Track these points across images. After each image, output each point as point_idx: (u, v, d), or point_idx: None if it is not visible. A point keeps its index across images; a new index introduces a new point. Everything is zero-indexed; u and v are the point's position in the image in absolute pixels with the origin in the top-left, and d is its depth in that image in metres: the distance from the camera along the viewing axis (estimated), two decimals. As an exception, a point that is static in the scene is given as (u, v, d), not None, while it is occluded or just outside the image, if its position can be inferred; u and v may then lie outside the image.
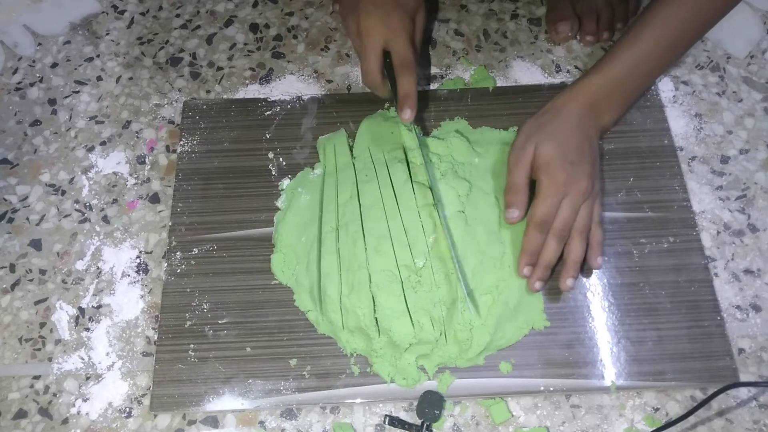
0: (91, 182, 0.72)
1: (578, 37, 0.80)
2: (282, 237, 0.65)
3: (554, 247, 0.61)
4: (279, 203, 0.68)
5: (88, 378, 0.62)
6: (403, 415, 0.59)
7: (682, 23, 0.63)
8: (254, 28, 0.82)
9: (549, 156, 0.61)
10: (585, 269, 0.64)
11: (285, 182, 0.69)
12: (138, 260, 0.67)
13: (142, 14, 0.84)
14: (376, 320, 0.59)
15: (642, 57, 0.64)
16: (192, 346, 0.61)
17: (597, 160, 0.65)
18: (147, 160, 0.73)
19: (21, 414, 0.61)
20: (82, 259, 0.68)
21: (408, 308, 0.59)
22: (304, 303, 0.63)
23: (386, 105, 0.73)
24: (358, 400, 0.59)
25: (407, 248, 0.61)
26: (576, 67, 0.78)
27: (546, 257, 0.61)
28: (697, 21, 0.63)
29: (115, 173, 0.73)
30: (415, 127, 0.71)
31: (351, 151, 0.70)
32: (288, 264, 0.64)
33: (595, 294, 0.63)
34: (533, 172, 0.62)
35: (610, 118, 0.67)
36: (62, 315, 0.65)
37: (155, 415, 0.60)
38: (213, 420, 0.60)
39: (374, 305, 0.59)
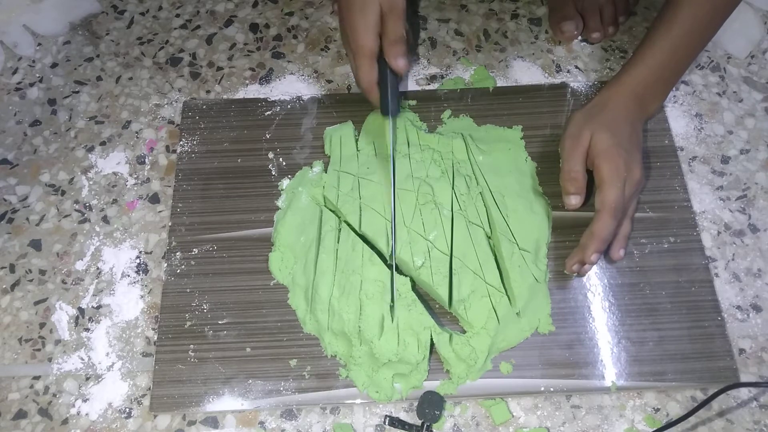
0: (90, 182, 0.72)
1: (581, 35, 0.80)
2: (281, 236, 0.65)
3: (607, 223, 0.61)
4: (279, 203, 0.68)
5: (88, 378, 0.62)
6: (403, 416, 0.59)
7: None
8: (254, 28, 0.82)
9: (606, 143, 0.61)
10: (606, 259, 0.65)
11: (285, 182, 0.69)
12: (138, 260, 0.67)
13: (142, 14, 0.84)
14: (360, 328, 0.59)
15: (680, 39, 0.63)
16: (192, 346, 0.61)
17: (641, 148, 0.65)
18: (147, 160, 0.73)
19: (21, 414, 0.61)
20: (82, 260, 0.68)
21: (398, 325, 0.59)
22: (297, 302, 0.63)
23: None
24: (358, 401, 0.59)
25: (408, 246, 0.61)
26: (576, 67, 0.78)
27: (597, 229, 0.60)
28: None
29: (114, 173, 0.73)
30: (421, 123, 0.72)
31: (356, 143, 0.70)
32: (285, 263, 0.64)
33: (596, 294, 0.63)
34: (589, 160, 0.62)
35: (655, 106, 0.67)
36: (62, 315, 0.65)
37: (155, 416, 0.60)
38: (213, 420, 0.60)
39: (360, 313, 0.59)
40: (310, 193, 0.67)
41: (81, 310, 0.65)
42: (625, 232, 0.64)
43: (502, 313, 0.60)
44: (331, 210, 0.66)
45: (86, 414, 0.60)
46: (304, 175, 0.69)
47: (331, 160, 0.69)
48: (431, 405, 0.58)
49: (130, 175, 0.72)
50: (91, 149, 0.74)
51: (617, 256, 0.63)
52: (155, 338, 0.63)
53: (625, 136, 0.62)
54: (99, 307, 0.65)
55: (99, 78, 0.79)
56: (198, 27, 0.83)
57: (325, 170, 0.69)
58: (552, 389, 0.59)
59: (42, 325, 0.65)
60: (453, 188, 0.65)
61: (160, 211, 0.70)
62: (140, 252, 0.68)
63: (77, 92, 0.78)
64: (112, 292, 0.66)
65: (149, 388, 0.61)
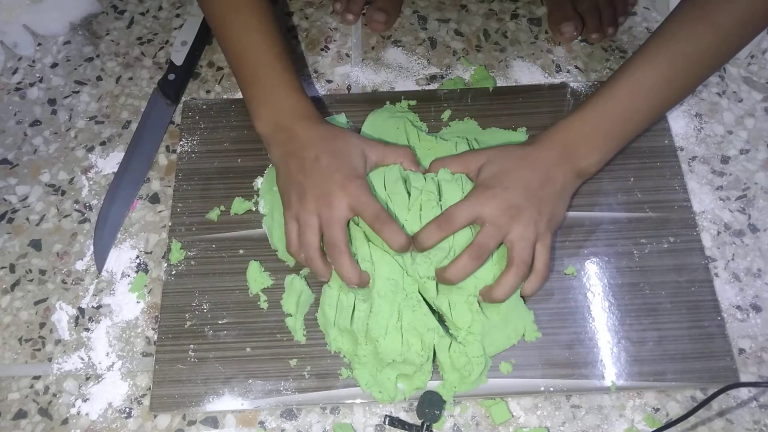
0: (91, 182, 0.72)
1: (581, 36, 0.80)
2: (278, 242, 0.64)
3: (464, 262, 0.56)
4: (261, 209, 0.67)
5: (88, 378, 0.62)
6: (403, 416, 0.59)
7: (675, 59, 0.58)
8: (254, 28, 0.82)
9: (487, 175, 0.60)
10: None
11: (258, 181, 0.69)
12: (138, 260, 0.67)
13: (142, 14, 0.84)
14: (368, 326, 0.59)
15: (629, 95, 0.59)
16: (192, 346, 0.61)
17: (550, 203, 0.59)
18: (147, 160, 0.73)
19: (21, 414, 0.61)
20: (82, 260, 0.68)
21: (402, 325, 0.58)
22: (289, 306, 0.62)
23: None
24: (358, 401, 0.59)
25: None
26: (576, 67, 0.78)
27: (450, 272, 0.57)
28: (696, 58, 0.58)
29: (114, 173, 0.72)
30: (421, 123, 0.72)
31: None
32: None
33: (596, 294, 0.63)
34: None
35: (590, 161, 0.61)
36: (62, 315, 0.65)
37: (155, 416, 0.60)
38: (213, 420, 0.60)
39: (370, 311, 0.59)
40: None
41: (81, 310, 0.65)
42: (530, 288, 0.59)
43: (488, 314, 0.59)
44: None
45: (86, 414, 0.60)
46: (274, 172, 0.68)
47: None
48: (431, 405, 0.58)
49: (130, 175, 0.72)
50: (91, 149, 0.74)
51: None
52: (155, 338, 0.63)
53: (528, 184, 0.58)
54: (99, 307, 0.65)
55: (99, 78, 0.79)
56: (198, 27, 0.83)
57: None
58: (552, 389, 0.59)
59: (42, 325, 0.65)
60: (458, 189, 0.64)
61: (160, 211, 0.70)
62: (140, 252, 0.68)
63: (77, 92, 0.78)
64: (112, 292, 0.66)
65: (149, 388, 0.61)
